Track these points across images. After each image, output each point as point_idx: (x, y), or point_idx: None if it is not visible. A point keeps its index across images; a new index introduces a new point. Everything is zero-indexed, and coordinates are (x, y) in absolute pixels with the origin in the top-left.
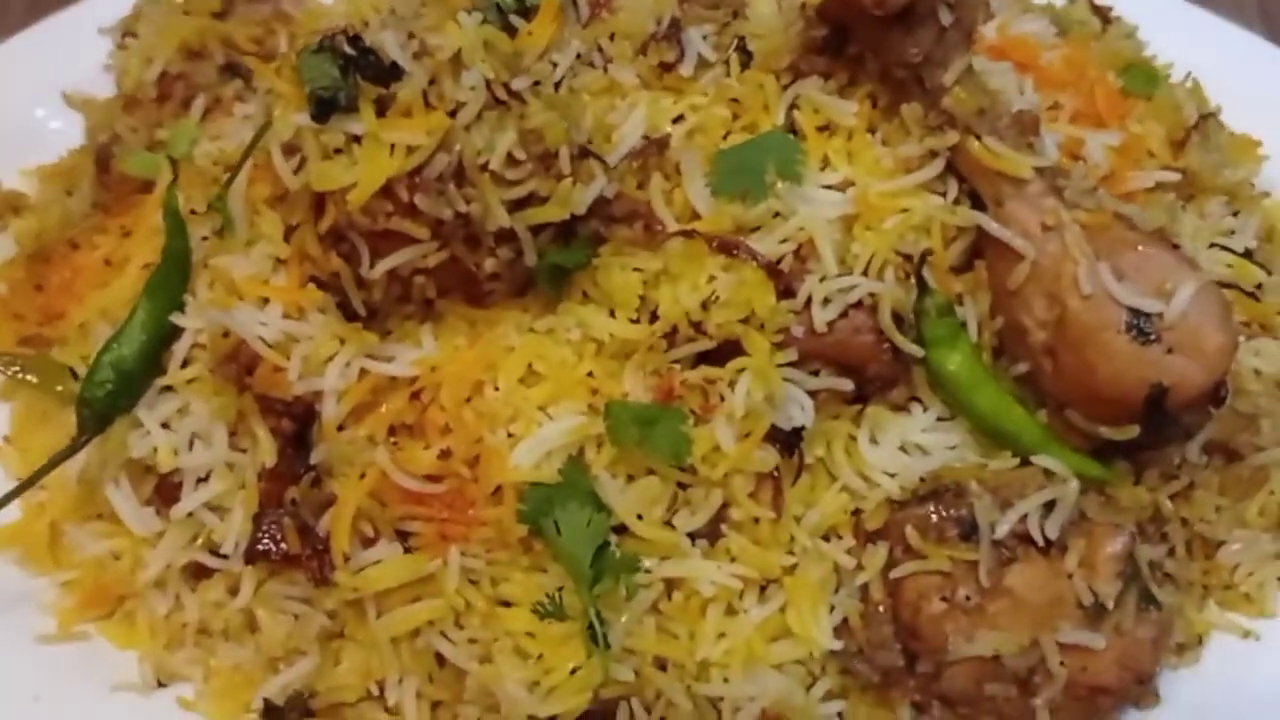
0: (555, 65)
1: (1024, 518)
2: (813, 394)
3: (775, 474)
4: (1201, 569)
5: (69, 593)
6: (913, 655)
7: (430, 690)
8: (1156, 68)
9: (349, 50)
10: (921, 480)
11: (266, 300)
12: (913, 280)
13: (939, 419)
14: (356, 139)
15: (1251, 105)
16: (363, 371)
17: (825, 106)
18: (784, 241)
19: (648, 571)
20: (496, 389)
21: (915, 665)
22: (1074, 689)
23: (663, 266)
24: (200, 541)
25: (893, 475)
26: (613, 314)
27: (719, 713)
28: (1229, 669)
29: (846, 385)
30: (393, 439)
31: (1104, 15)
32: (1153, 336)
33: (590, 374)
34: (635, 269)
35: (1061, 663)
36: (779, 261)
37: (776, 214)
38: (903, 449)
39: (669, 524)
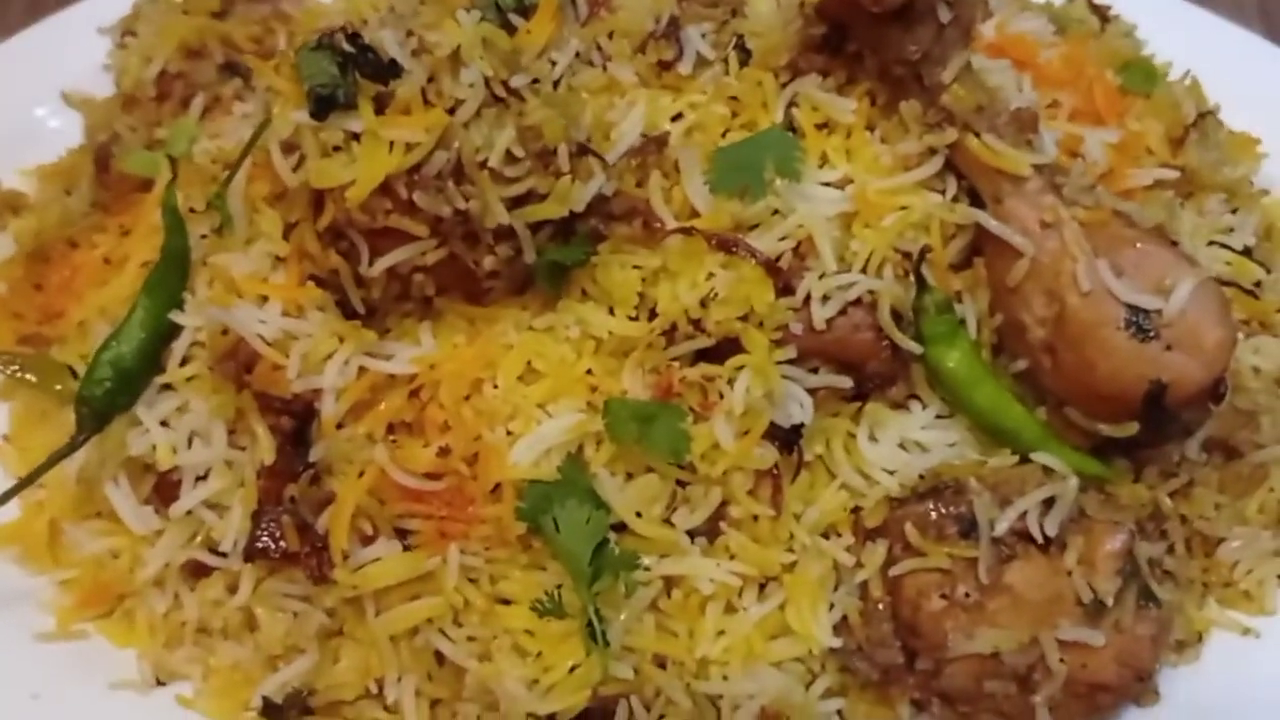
0: (554, 63)
1: (1023, 515)
2: (812, 391)
3: (774, 471)
4: (1201, 566)
5: (68, 591)
6: (912, 653)
7: (429, 688)
8: (1155, 66)
9: (348, 48)
10: (921, 478)
11: (265, 298)
12: (912, 277)
13: (938, 416)
14: (355, 136)
15: (1251, 104)
16: (362, 369)
17: (824, 104)
18: (783, 239)
19: (647, 569)
20: (495, 387)
21: (915, 663)
22: (1074, 686)
23: (662, 264)
24: (199, 540)
25: (892, 473)
26: (612, 311)
27: (718, 710)
28: (1229, 666)
29: (845, 383)
30: (392, 437)
31: (1102, 14)
32: (1152, 333)
33: (589, 371)
34: (634, 266)
35: (1061, 660)
36: (778, 259)
37: (775, 211)
38: (902, 446)
39: (668, 521)
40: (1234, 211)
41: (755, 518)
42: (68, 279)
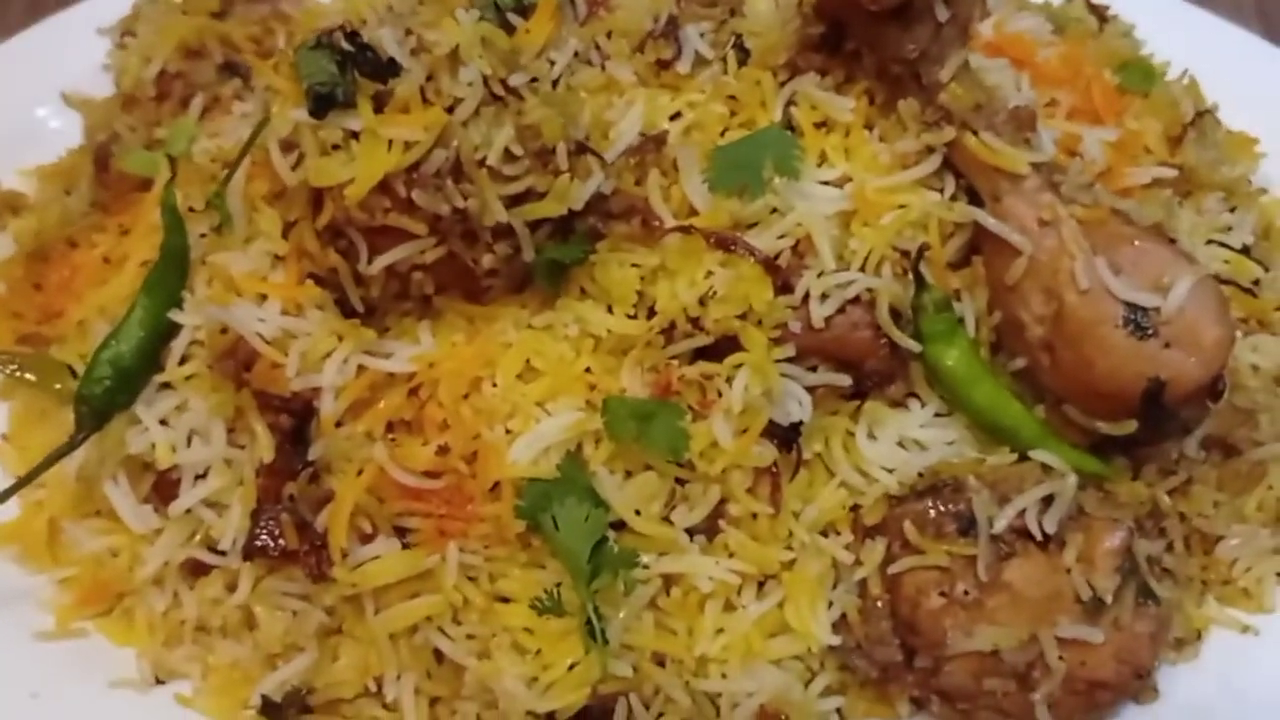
0: (553, 63)
1: (1022, 513)
2: (811, 389)
3: (773, 469)
4: (1200, 564)
5: (67, 590)
6: (911, 650)
7: (428, 686)
8: (1153, 65)
9: (347, 46)
10: (920, 475)
11: (265, 297)
12: (910, 276)
13: (937, 414)
14: (354, 135)
15: (1249, 104)
16: (361, 368)
17: (822, 103)
18: (781, 237)
19: (646, 567)
20: (494, 385)
21: (914, 660)
22: (1073, 684)
23: (660, 262)
24: (198, 538)
25: (891, 471)
26: (610, 310)
27: (717, 708)
28: (1228, 664)
29: (844, 381)
30: (391, 435)
31: (1100, 14)
32: (1150, 331)
33: (588, 370)
34: (633, 265)
35: (1060, 657)
36: (776, 257)
37: (774, 210)
38: (901, 444)
39: (667, 519)
40: (1232, 210)
41: (754, 516)
42: (67, 279)
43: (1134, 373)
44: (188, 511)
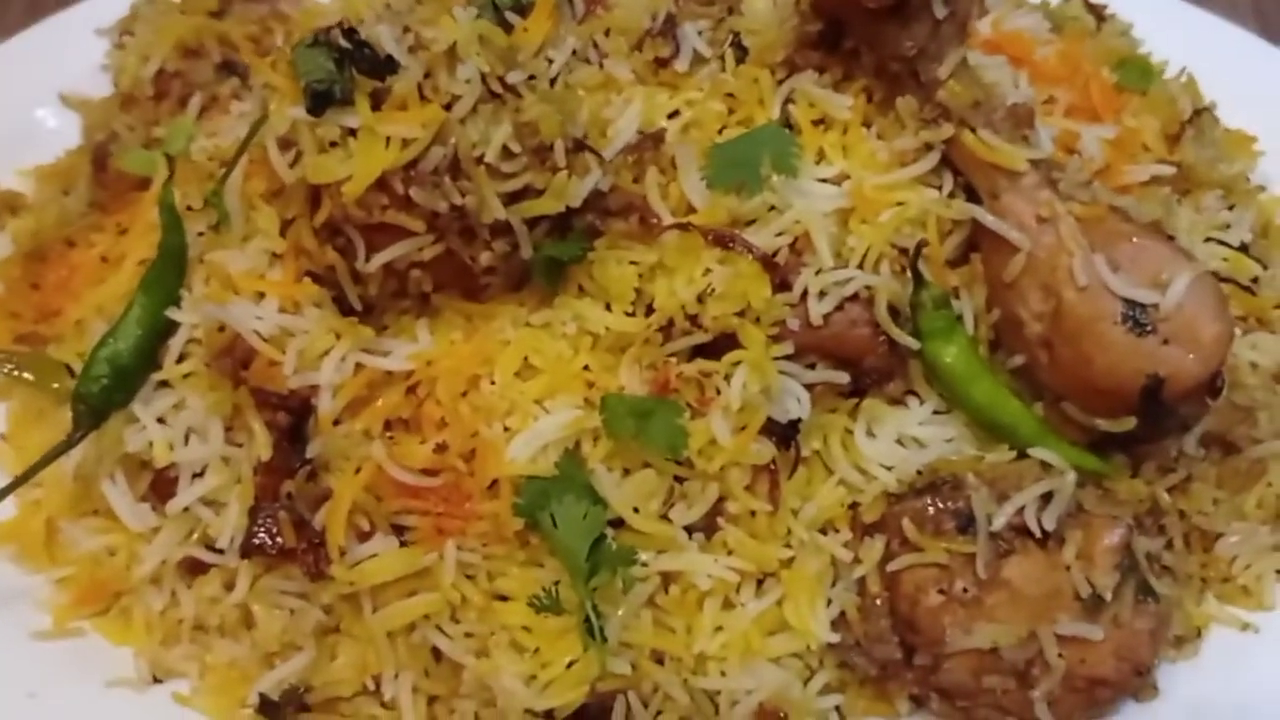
0: (551, 61)
1: (1021, 510)
2: (809, 387)
3: (772, 467)
4: (1199, 562)
5: (64, 589)
6: (910, 648)
7: (426, 684)
8: (1151, 63)
9: (344, 44)
10: (918, 473)
11: (262, 294)
12: (908, 273)
13: (935, 412)
14: (352, 132)
15: (1247, 103)
16: (358, 366)
17: (820, 100)
18: (780, 235)
19: (644, 565)
20: (493, 383)
21: (913, 658)
22: (1072, 681)
23: (658, 259)
24: (196, 536)
25: (889, 468)
26: (608, 307)
27: (716, 706)
28: (1227, 662)
29: (843, 378)
30: (389, 433)
31: (1098, 13)
32: (1148, 327)
33: (586, 367)
34: (631, 262)
35: (1060, 655)
36: (775, 255)
37: (772, 207)
38: (899, 442)
39: (665, 517)
40: (1230, 208)
41: (753, 513)
42: (65, 278)
43: (1132, 369)
44: (185, 510)
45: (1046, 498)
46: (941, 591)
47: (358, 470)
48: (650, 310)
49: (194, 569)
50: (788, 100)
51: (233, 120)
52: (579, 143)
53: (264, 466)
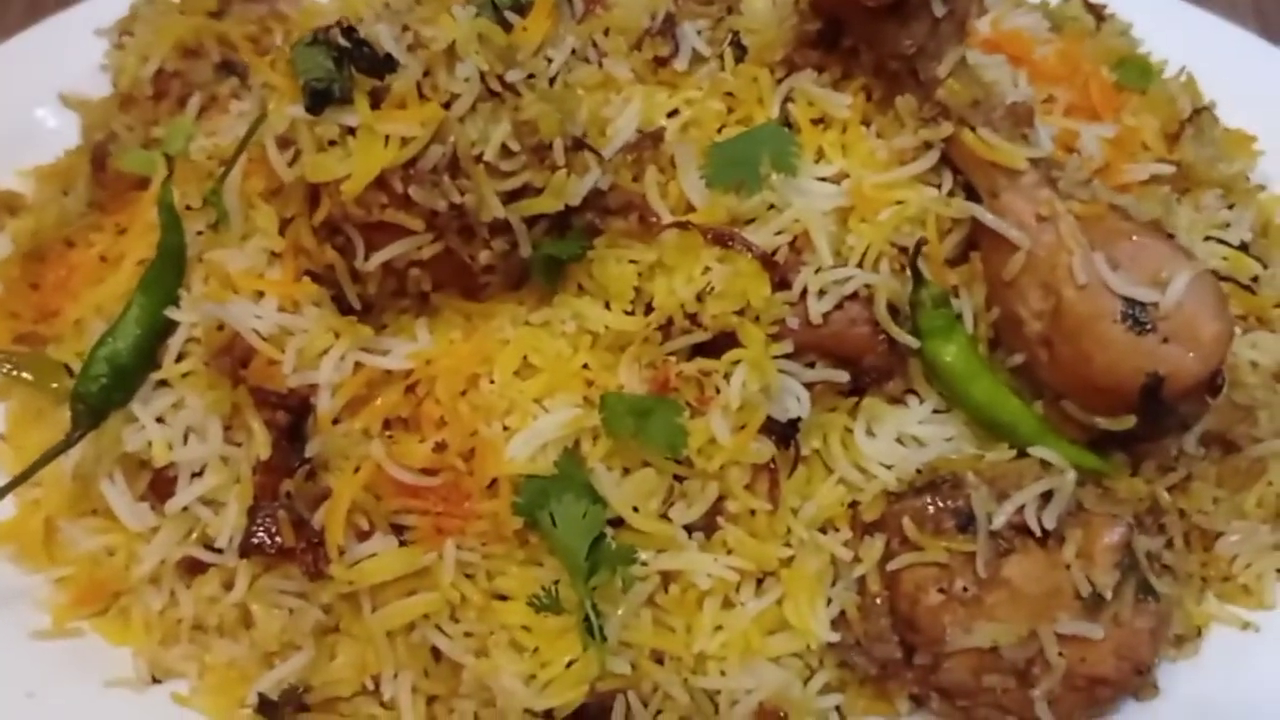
0: (550, 60)
1: (1021, 509)
2: (809, 386)
3: (771, 466)
4: (1200, 560)
5: (63, 589)
6: (910, 647)
7: (426, 684)
8: (1150, 62)
9: (343, 42)
10: (918, 472)
11: (261, 293)
12: (908, 272)
13: (935, 410)
14: (351, 131)
15: (1246, 102)
16: (358, 365)
17: (820, 99)
18: (779, 233)
19: (644, 564)
20: (492, 382)
21: (913, 657)
22: (1072, 680)
23: (658, 258)
24: (195, 536)
25: (889, 467)
26: (608, 306)
27: (716, 706)
28: (1228, 661)
29: (842, 377)
30: (388, 432)
31: (1097, 13)
32: (1148, 326)
33: (585, 366)
34: (630, 261)
35: (1060, 654)
36: (774, 253)
37: (771, 206)
38: (899, 441)
39: (665, 516)
40: (1230, 207)
41: (752, 512)
42: (64, 278)
43: (1132, 368)
44: (184, 509)
45: (1046, 496)
46: (941, 590)
47: (357, 469)
48: (649, 309)
49: (193, 569)
50: (787, 99)
51: (232, 120)
52: (578, 141)
53: (263, 466)
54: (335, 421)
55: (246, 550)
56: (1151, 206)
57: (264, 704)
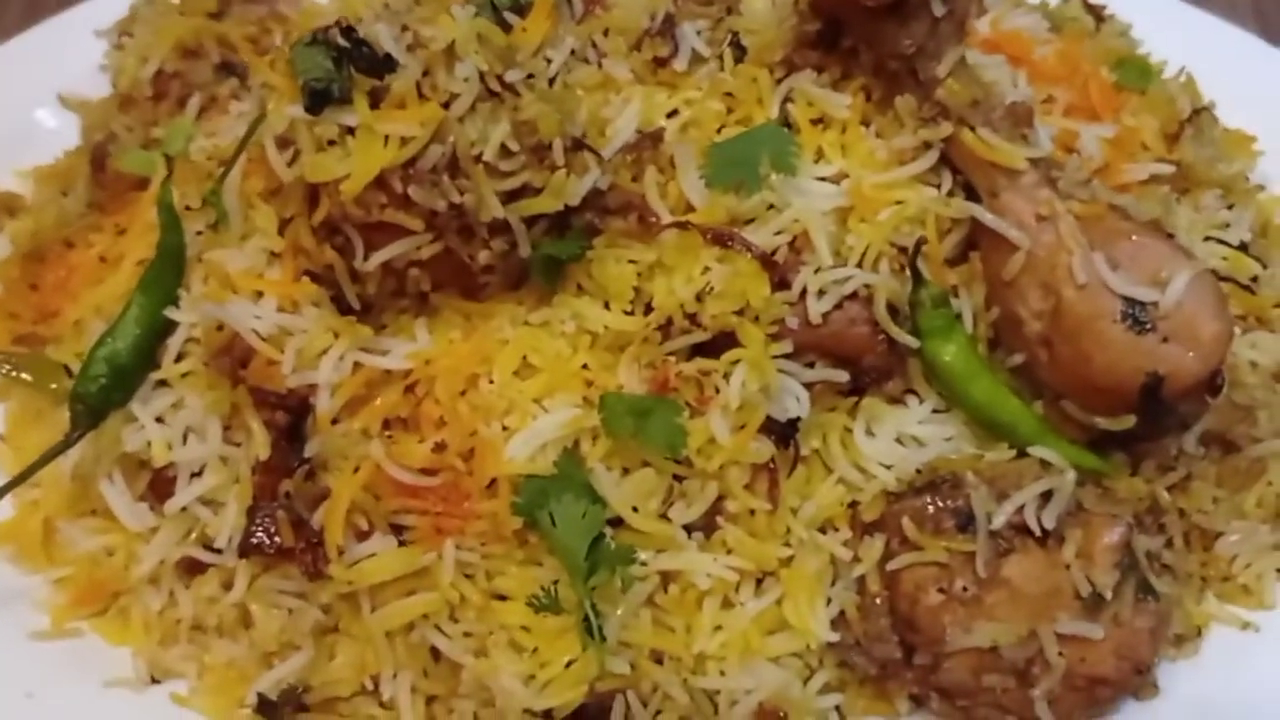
0: (549, 61)
1: (1021, 508)
2: (808, 386)
3: (771, 466)
4: (1199, 560)
5: (62, 589)
6: (910, 647)
7: (425, 684)
8: (1150, 62)
9: (342, 42)
10: (918, 472)
11: (261, 293)
12: (907, 272)
13: (935, 410)
14: (350, 131)
15: (1246, 103)
16: (357, 365)
17: (819, 99)
18: (778, 233)
19: (643, 564)
20: (491, 382)
21: (913, 657)
22: (1072, 680)
23: (657, 258)
24: (194, 536)
25: (889, 467)
26: (607, 306)
27: (715, 706)
28: (1228, 661)
29: (842, 377)
30: (387, 432)
31: (1097, 13)
32: (1148, 325)
33: (585, 366)
34: (630, 261)
35: (1060, 653)
36: (773, 253)
37: (770, 206)
38: (899, 440)
39: (664, 516)
40: (1230, 207)
41: (752, 512)
42: (63, 279)
43: (1132, 367)
44: (183, 509)
45: (1046, 496)
46: (941, 590)
47: (356, 469)
48: (649, 309)
49: (192, 569)
50: (786, 99)
51: (231, 120)
52: (578, 141)
53: (262, 466)
54: (334, 421)
55: (246, 550)
56: (1151, 206)
57: (263, 704)
